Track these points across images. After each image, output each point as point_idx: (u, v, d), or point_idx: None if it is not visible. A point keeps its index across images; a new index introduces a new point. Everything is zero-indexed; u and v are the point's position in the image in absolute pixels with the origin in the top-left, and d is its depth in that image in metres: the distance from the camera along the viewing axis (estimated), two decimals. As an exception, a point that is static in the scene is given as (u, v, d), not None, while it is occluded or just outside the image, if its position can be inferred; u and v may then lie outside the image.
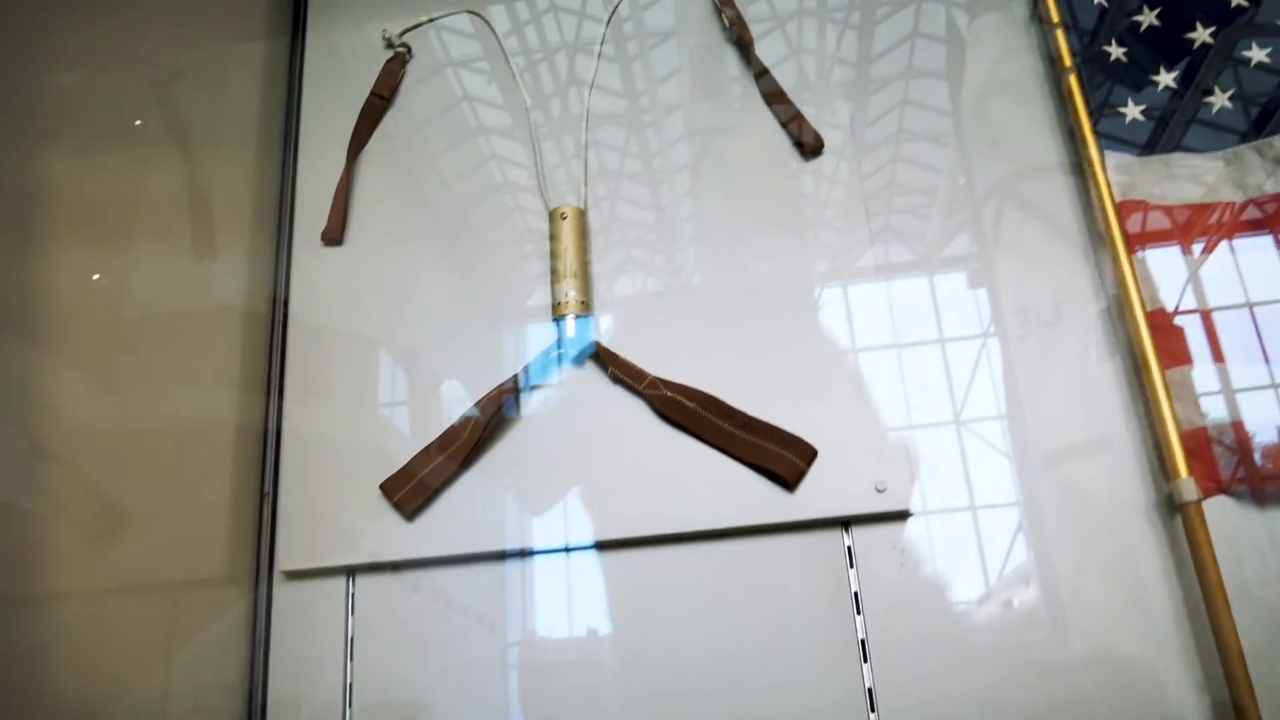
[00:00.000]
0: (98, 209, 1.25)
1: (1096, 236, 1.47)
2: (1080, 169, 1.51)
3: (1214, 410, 1.33)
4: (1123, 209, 1.43)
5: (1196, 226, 1.44)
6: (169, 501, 1.30)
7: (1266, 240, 1.43)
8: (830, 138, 1.54)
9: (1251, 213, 1.43)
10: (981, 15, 1.65)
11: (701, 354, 1.43)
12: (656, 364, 1.43)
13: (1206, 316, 1.40)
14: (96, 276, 1.23)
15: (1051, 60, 1.60)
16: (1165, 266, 1.42)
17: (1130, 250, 1.40)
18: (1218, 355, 1.37)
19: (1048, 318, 1.44)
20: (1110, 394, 1.39)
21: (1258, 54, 1.49)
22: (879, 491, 1.33)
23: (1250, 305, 1.41)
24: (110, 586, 1.17)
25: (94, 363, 1.19)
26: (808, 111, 1.56)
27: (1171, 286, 1.41)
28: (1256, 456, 1.30)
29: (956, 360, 1.44)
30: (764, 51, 1.62)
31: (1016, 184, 1.53)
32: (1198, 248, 1.43)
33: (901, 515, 1.34)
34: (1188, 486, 1.27)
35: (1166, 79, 1.51)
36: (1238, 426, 1.31)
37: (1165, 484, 1.32)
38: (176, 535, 1.31)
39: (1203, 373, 1.36)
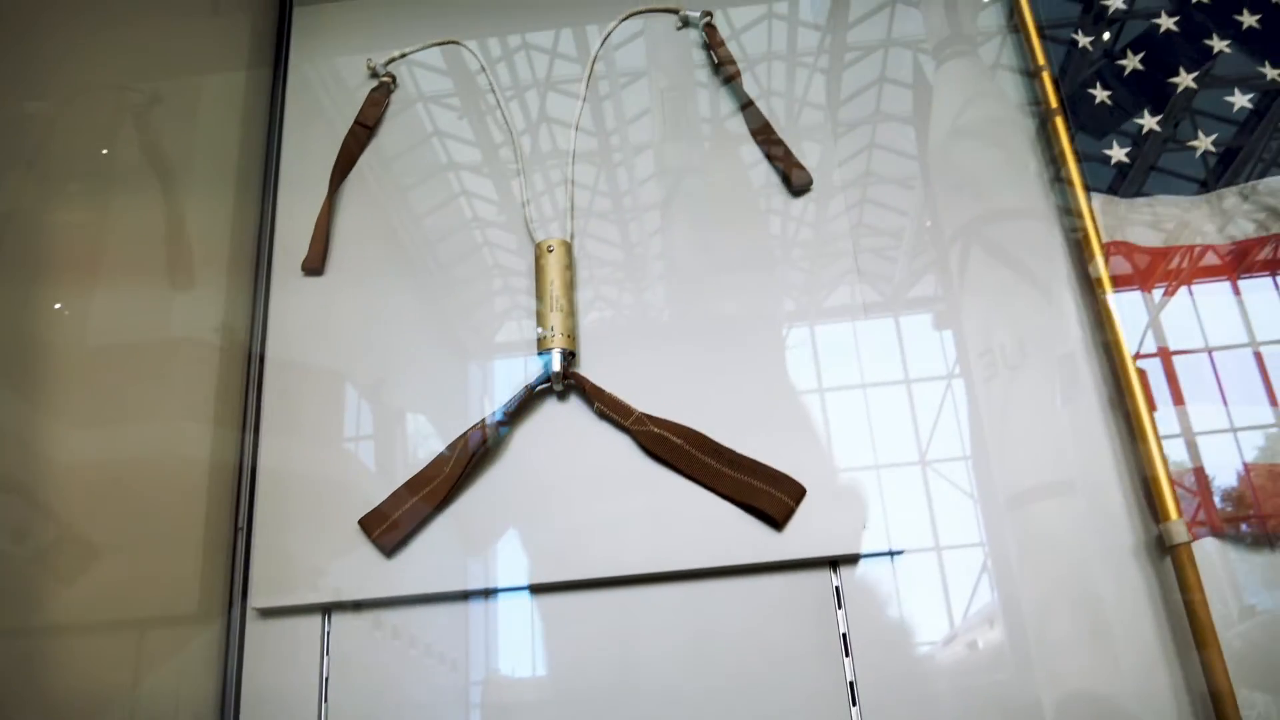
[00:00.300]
0: (69, 239, 1.23)
1: (1062, 279, 1.49)
2: (1047, 212, 1.54)
3: (1174, 453, 1.34)
4: (1108, 250, 1.44)
5: (1178, 267, 1.46)
6: (139, 536, 1.27)
7: (1265, 281, 1.45)
8: (797, 179, 1.55)
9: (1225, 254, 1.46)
10: (948, 61, 1.68)
11: (668, 393, 1.42)
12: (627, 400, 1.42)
13: (1186, 356, 1.42)
14: (58, 306, 1.21)
15: (1019, 105, 1.63)
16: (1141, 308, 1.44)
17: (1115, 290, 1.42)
18: (1221, 396, 1.39)
19: (1013, 359, 1.46)
20: (1082, 435, 1.40)
21: (1240, 99, 1.52)
22: (866, 530, 1.32)
23: (1256, 346, 1.42)
24: (78, 622, 1.14)
25: (63, 395, 1.17)
26: (775, 153, 1.58)
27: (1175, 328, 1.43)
28: (1216, 499, 1.31)
29: (922, 400, 1.45)
30: (731, 94, 1.64)
31: (983, 227, 1.55)
32: (1184, 289, 1.45)
33: (891, 554, 1.33)
34: (1178, 529, 1.27)
35: (1150, 122, 1.54)
36: (1198, 471, 1.32)
37: (1145, 525, 1.33)
38: (147, 570, 1.27)
39: (1197, 412, 1.38)
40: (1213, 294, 1.45)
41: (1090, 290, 1.47)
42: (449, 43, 1.76)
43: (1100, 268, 1.43)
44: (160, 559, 1.31)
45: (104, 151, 1.34)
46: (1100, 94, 1.56)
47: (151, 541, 1.29)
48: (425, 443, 1.44)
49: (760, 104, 1.62)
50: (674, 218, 1.57)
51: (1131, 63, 1.57)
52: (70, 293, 1.21)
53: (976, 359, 1.47)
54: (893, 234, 1.55)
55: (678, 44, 1.71)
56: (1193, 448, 1.35)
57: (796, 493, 1.33)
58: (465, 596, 1.37)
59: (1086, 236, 1.47)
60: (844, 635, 1.30)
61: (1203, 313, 1.44)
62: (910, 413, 1.43)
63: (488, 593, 1.37)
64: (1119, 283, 1.43)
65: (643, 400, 1.41)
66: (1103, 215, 1.47)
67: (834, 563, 1.33)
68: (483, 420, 1.41)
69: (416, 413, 1.48)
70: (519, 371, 1.48)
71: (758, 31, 1.70)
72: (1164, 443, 1.34)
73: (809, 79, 1.67)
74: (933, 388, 1.45)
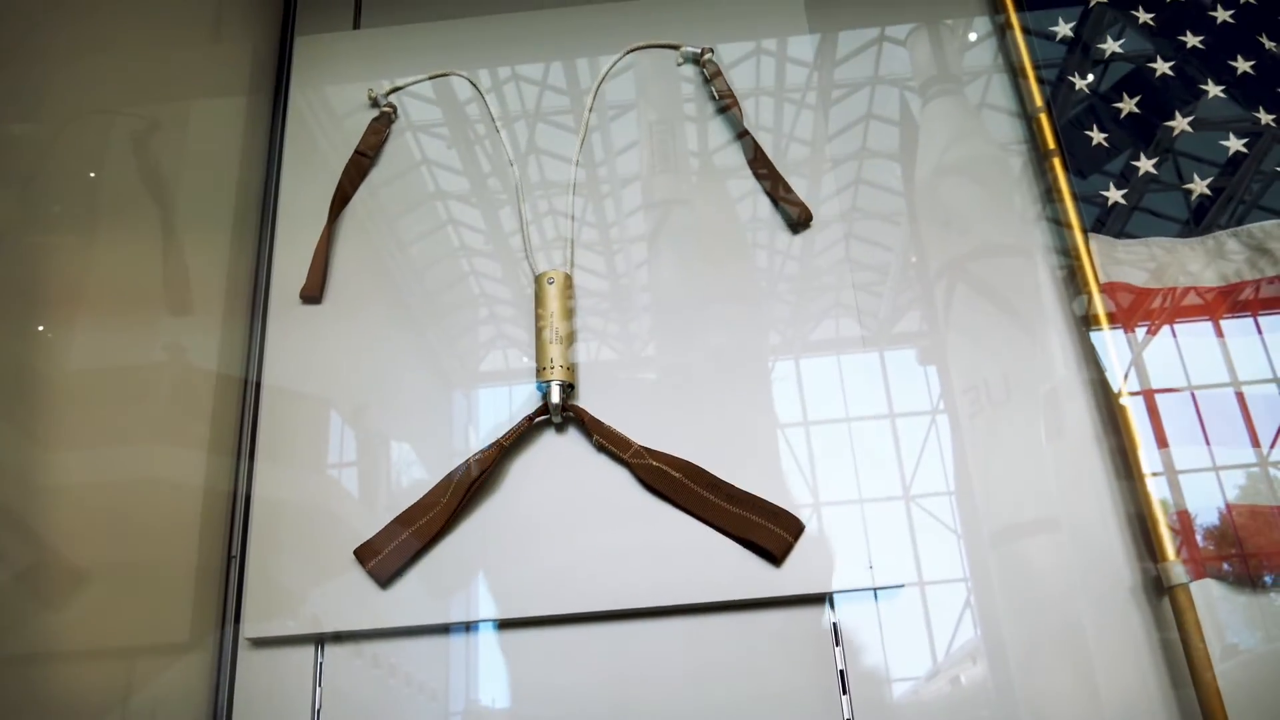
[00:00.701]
0: (63, 265, 1.22)
1: (1047, 316, 1.50)
2: (1032, 250, 1.55)
3: (1157, 492, 1.35)
4: (1106, 290, 1.45)
5: (1169, 306, 1.48)
6: (131, 563, 1.25)
7: (1247, 323, 1.47)
8: (798, 216, 1.56)
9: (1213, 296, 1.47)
10: (935, 100, 1.70)
11: (651, 425, 1.42)
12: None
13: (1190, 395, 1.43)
14: (50, 333, 1.20)
15: (1003, 144, 1.65)
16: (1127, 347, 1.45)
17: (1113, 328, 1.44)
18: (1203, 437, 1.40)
19: (997, 396, 1.46)
20: (1071, 471, 1.40)
21: (1235, 143, 1.55)
22: (869, 568, 1.32)
23: (1238, 386, 1.43)
24: (68, 649, 1.12)
25: (57, 421, 1.16)
26: (762, 187, 1.59)
27: (1160, 367, 1.44)
28: (1198, 538, 1.32)
29: (907, 435, 1.45)
30: (722, 127, 1.66)
31: (968, 263, 1.56)
32: (1183, 328, 1.47)
33: (884, 589, 1.33)
34: (1177, 569, 1.28)
35: (1146, 165, 1.56)
36: (1183, 515, 1.33)
37: (1132, 562, 1.34)
38: (138, 598, 1.26)
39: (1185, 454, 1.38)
40: (1199, 334, 1.46)
41: (1076, 328, 1.48)
42: (450, 74, 1.76)
43: (1097, 305, 1.44)
44: (152, 587, 1.30)
45: (100, 176, 1.33)
46: (1096, 135, 1.58)
47: (143, 569, 1.28)
48: (421, 472, 1.44)
49: (746, 138, 1.63)
50: (661, 250, 1.58)
51: (1128, 105, 1.60)
52: (65, 319, 1.20)
53: (961, 395, 1.47)
54: (879, 269, 1.56)
55: (666, 78, 1.73)
56: (1175, 488, 1.36)
57: (795, 528, 1.33)
58: (459, 629, 1.36)
59: (1076, 274, 1.49)
60: (841, 672, 1.29)
61: (1189, 352, 1.45)
62: (895, 448, 1.43)
63: (481, 625, 1.36)
64: (1113, 320, 1.44)
65: (627, 431, 1.41)
66: (1099, 255, 1.48)
67: (831, 599, 1.33)
68: (479, 451, 1.40)
69: (412, 441, 1.47)
70: (519, 399, 1.48)
71: (745, 68, 1.72)
72: (1146, 482, 1.35)
73: (796, 115, 1.69)
74: (919, 422, 1.46)
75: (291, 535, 1.41)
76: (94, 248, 1.28)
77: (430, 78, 1.77)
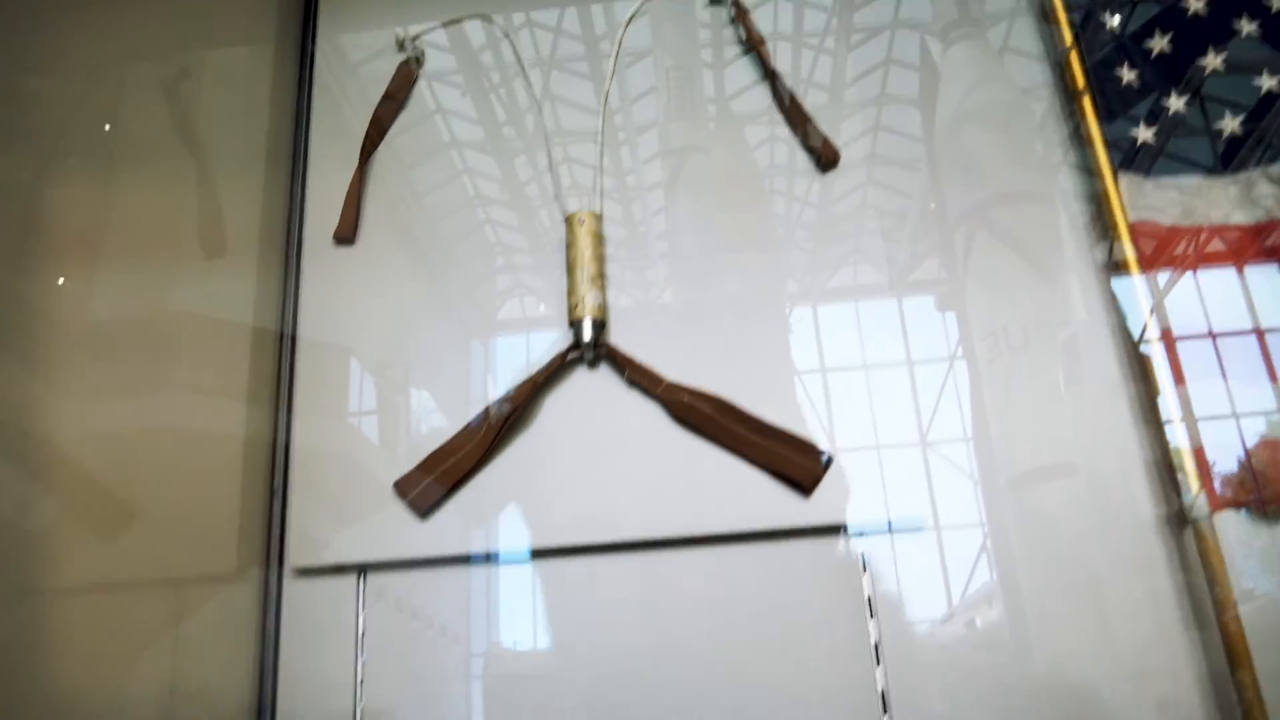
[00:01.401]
0: (103, 216, 1.24)
1: (1068, 261, 1.48)
2: (1053, 195, 1.53)
3: (1178, 440, 1.35)
4: (1133, 231, 1.44)
5: (1196, 246, 1.46)
6: (178, 498, 1.29)
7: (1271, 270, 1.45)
8: (801, 161, 1.55)
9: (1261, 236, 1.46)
10: (955, 44, 1.67)
11: (670, 370, 1.43)
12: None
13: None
14: (60, 280, 1.21)
15: (1025, 89, 1.62)
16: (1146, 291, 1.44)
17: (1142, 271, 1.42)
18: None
19: (1016, 343, 1.45)
20: (1093, 415, 1.40)
21: (1268, 81, 1.52)
22: (889, 499, 1.35)
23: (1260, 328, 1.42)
24: (120, 580, 1.17)
25: (92, 365, 1.18)
26: (781, 134, 1.58)
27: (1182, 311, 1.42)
28: (1216, 484, 1.31)
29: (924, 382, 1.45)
30: (739, 74, 1.64)
31: (988, 210, 1.54)
32: (1208, 271, 1.45)
33: (910, 531, 1.35)
34: (1199, 502, 1.28)
35: (1176, 103, 1.53)
36: (1199, 453, 1.32)
37: (1159, 506, 1.34)
38: (185, 533, 1.30)
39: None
40: (1224, 277, 1.44)
41: (1097, 274, 1.47)
42: (476, 18, 1.75)
43: (1125, 246, 1.43)
44: (198, 523, 1.34)
45: (132, 124, 1.35)
46: (1126, 74, 1.55)
47: (189, 507, 1.32)
48: (455, 409, 1.47)
49: (764, 84, 1.62)
50: (678, 197, 1.57)
51: (1159, 43, 1.57)
52: (105, 266, 1.23)
53: (980, 342, 1.47)
54: (898, 216, 1.55)
55: (683, 24, 1.71)
56: (1193, 430, 1.35)
57: (824, 460, 1.35)
58: (495, 558, 1.40)
59: (1102, 216, 1.46)
60: (869, 599, 1.31)
61: (1213, 295, 1.43)
62: (912, 395, 1.44)
63: (517, 554, 1.39)
64: (1140, 262, 1.43)
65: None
66: (1128, 194, 1.46)
67: (859, 530, 1.35)
68: (512, 389, 1.42)
69: (448, 377, 1.50)
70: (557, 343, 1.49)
71: (764, 12, 1.69)
72: (1165, 428, 1.35)
73: (815, 60, 1.67)
74: (937, 369, 1.45)
75: (330, 471, 1.45)
76: (130, 194, 1.30)
77: (451, 22, 1.75)
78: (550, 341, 1.48)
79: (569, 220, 1.50)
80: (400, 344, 1.52)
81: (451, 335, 1.53)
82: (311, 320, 1.55)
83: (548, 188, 1.59)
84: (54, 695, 1.02)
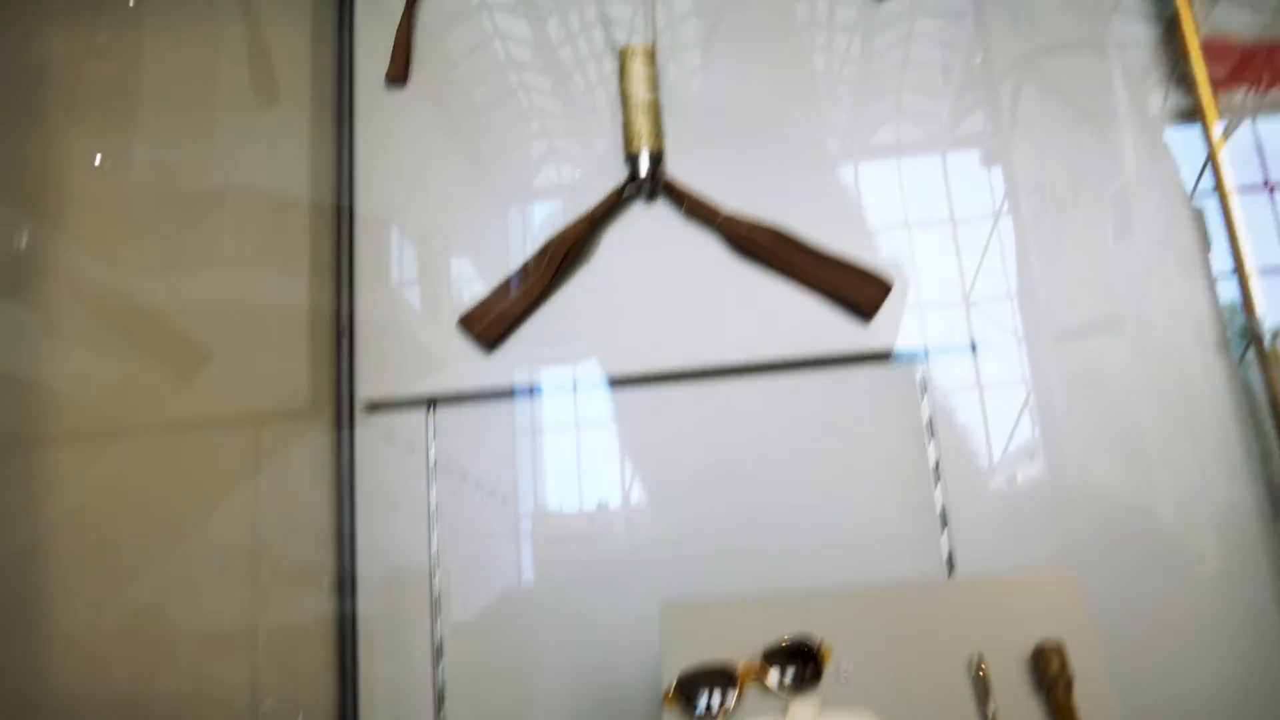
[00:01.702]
0: (161, 78, 1.23)
1: (1119, 113, 1.43)
2: (1104, 44, 1.47)
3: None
4: (1207, 48, 1.38)
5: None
6: (250, 341, 1.32)
7: None
8: (842, 14, 1.49)
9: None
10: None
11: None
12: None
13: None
14: (98, 158, 1.21)
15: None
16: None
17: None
18: None
19: (1064, 197, 1.42)
20: (1142, 271, 1.38)
21: None
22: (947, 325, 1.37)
23: None
24: (200, 417, 1.20)
25: (158, 222, 1.20)
26: (821, -15, 1.52)
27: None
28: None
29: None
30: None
31: (1036, 60, 1.48)
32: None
33: (973, 347, 1.37)
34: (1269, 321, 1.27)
35: None
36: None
37: (1205, 355, 1.33)
38: (259, 372, 1.34)
39: None
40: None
41: (1148, 126, 1.42)
42: None
43: (1195, 63, 1.37)
44: (270, 361, 1.38)
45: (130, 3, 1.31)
46: None
47: (262, 346, 1.36)
48: (516, 246, 1.50)
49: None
50: (714, 57, 1.53)
51: None
52: (174, 130, 1.24)
53: (1026, 197, 1.43)
54: (942, 69, 1.50)
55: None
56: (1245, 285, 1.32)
57: (883, 286, 1.36)
58: (561, 387, 1.44)
59: (1174, 41, 1.40)
60: (929, 421, 1.33)
61: (1272, 143, 1.37)
62: (955, 252, 1.41)
63: (582, 384, 1.43)
64: (1212, 84, 1.37)
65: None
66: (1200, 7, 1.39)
67: (918, 355, 1.37)
68: (576, 220, 1.43)
69: (511, 217, 1.53)
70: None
71: None
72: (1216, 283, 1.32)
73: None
74: (981, 226, 1.42)
75: (396, 309, 1.50)
76: (178, 42, 1.28)
77: None
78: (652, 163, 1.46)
79: (622, 53, 1.48)
80: (463, 181, 1.54)
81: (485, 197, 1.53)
82: (367, 168, 1.56)
83: (595, 40, 1.56)
84: (131, 530, 1.06)
